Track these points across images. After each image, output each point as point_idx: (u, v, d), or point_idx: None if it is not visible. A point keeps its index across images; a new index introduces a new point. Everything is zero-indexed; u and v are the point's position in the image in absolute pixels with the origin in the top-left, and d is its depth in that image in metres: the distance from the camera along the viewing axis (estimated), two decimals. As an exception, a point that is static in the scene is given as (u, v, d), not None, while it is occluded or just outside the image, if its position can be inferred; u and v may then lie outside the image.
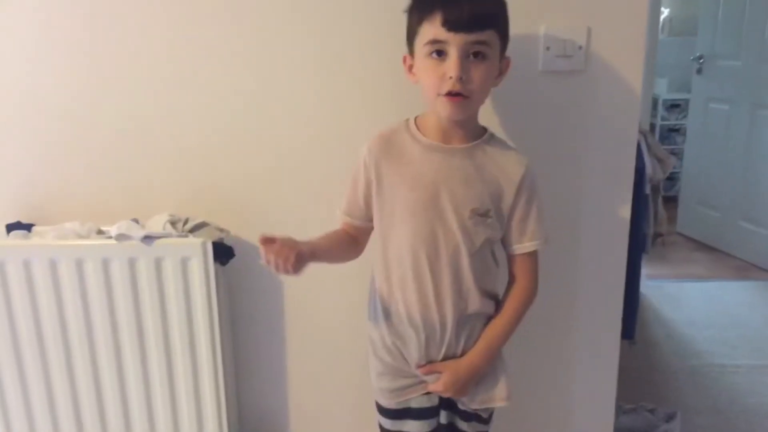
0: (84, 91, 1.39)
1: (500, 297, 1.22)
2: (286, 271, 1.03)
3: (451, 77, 1.04)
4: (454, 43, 1.03)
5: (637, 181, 1.97)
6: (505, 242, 1.20)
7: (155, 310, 1.37)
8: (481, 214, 1.13)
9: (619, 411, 2.08)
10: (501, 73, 1.13)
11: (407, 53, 1.14)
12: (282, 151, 1.41)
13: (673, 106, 4.51)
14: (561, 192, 1.40)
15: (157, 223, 1.37)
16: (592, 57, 1.32)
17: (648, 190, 2.01)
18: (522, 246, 1.18)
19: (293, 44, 1.35)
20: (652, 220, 2.09)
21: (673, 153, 4.46)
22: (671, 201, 4.27)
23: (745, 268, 3.49)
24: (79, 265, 1.34)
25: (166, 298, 1.37)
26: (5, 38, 1.36)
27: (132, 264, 1.35)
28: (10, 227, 1.40)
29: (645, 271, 3.40)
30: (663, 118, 4.58)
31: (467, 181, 1.13)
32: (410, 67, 1.14)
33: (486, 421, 1.28)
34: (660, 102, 4.56)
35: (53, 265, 1.35)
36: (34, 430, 1.44)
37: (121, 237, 1.32)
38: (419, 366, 1.20)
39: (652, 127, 4.66)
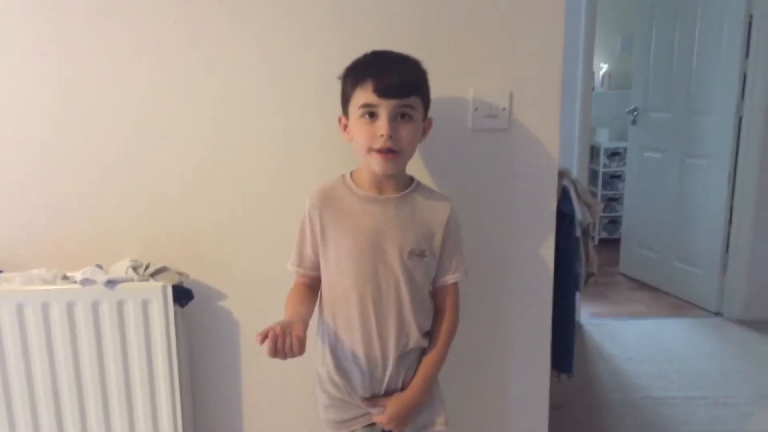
0: (48, 143, 1.50)
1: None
2: (294, 356, 1.11)
3: (382, 135, 1.19)
4: (384, 106, 1.19)
5: (567, 226, 2.16)
6: (434, 277, 1.33)
7: (117, 350, 1.46)
8: (418, 254, 1.27)
9: (560, 442, 2.22)
10: (425, 131, 1.30)
11: (342, 115, 1.29)
12: (237, 200, 1.53)
13: (614, 154, 4.79)
14: (490, 235, 1.56)
15: (119, 269, 1.48)
16: (514, 117, 1.50)
17: (578, 233, 2.18)
18: (450, 277, 1.33)
19: (251, 102, 1.49)
20: (584, 261, 2.26)
21: (614, 198, 4.75)
22: (614, 243, 4.51)
23: (681, 306, 3.70)
24: (45, 308, 1.43)
25: (127, 339, 1.47)
26: None
27: (95, 307, 1.44)
28: (-21, 274, 1.48)
29: (588, 309, 3.60)
30: (605, 165, 4.85)
31: (403, 227, 1.27)
32: (345, 127, 1.29)
33: None
34: (601, 150, 4.84)
35: (20, 309, 1.43)
36: (-4, 469, 1.50)
37: (85, 282, 1.42)
38: (364, 400, 1.32)
39: (595, 173, 4.93)
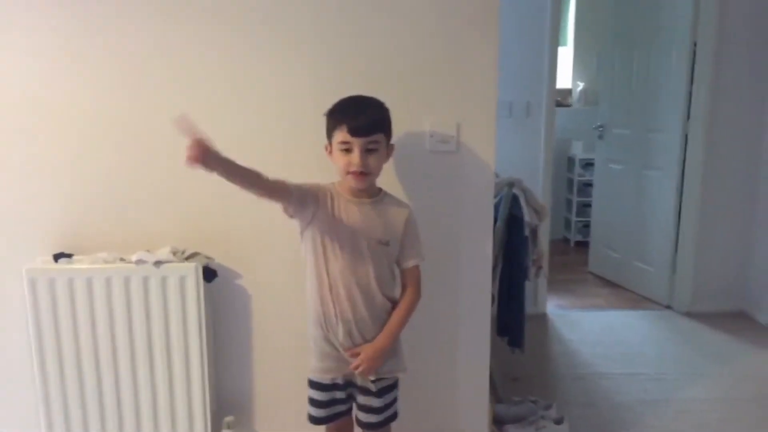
0: (109, 157, 1.99)
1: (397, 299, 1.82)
2: (191, 160, 1.49)
3: (356, 164, 1.65)
4: (356, 143, 1.64)
5: (518, 227, 2.65)
6: (398, 262, 1.81)
7: (161, 314, 1.95)
8: (383, 243, 1.75)
9: (510, 403, 2.70)
10: (388, 155, 1.74)
11: (327, 143, 1.73)
12: (251, 205, 1.97)
13: (588, 164, 5.25)
14: (443, 232, 2.05)
15: (163, 253, 1.97)
16: (461, 143, 1.99)
17: (527, 232, 2.66)
18: (409, 262, 1.80)
19: (264, 129, 1.99)
20: (532, 255, 2.74)
21: (587, 205, 5.21)
22: (585, 245, 4.98)
23: (637, 300, 4.19)
24: (108, 281, 1.93)
25: (168, 305, 1.95)
26: (35, 100, 1.95)
27: (146, 281, 1.93)
28: (57, 256, 1.98)
29: (554, 302, 4.09)
30: (579, 175, 5.34)
31: (373, 223, 1.75)
32: (330, 153, 1.74)
33: (394, 387, 1.85)
34: (576, 161, 5.33)
35: (89, 282, 1.93)
36: (66, 399, 1.99)
37: (139, 261, 1.92)
38: (346, 350, 1.78)
39: (571, 182, 5.41)
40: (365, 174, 1.68)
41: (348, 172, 1.68)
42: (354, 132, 1.64)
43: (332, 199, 1.74)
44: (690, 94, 3.77)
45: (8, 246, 2.02)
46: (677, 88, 3.83)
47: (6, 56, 1.92)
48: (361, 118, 1.66)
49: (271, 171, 1.98)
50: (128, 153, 2.00)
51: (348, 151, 1.67)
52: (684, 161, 3.85)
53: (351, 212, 1.74)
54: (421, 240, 1.82)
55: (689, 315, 3.91)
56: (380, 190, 1.81)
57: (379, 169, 1.73)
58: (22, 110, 1.95)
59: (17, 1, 1.90)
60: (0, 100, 1.94)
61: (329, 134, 1.72)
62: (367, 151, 1.67)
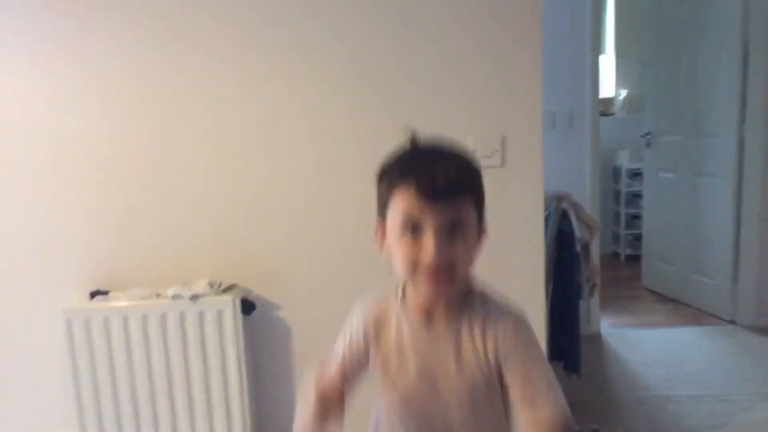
0: (143, 194, 1.95)
1: None
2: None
3: (429, 253, 0.95)
4: (430, 217, 0.95)
5: (568, 243, 2.51)
6: (517, 400, 1.10)
7: (198, 350, 1.88)
8: (476, 386, 1.09)
9: (570, 432, 2.53)
10: (481, 243, 1.06)
11: (379, 222, 1.04)
12: (288, 235, 1.95)
13: (635, 174, 5.04)
14: (490, 255, 1.90)
15: (199, 286, 1.90)
16: (506, 157, 1.88)
17: (578, 249, 2.52)
18: (539, 410, 1.07)
19: (301, 154, 1.91)
20: (585, 272, 2.59)
21: (637, 216, 5.00)
22: (639, 259, 4.76)
23: (697, 316, 3.95)
24: (145, 319, 1.86)
25: (206, 341, 1.88)
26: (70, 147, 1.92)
27: (183, 317, 1.87)
28: (94, 294, 1.93)
29: (609, 321, 3.89)
30: (627, 185, 5.13)
31: (458, 357, 1.07)
32: (382, 241, 1.03)
33: None
34: (623, 171, 5.12)
35: (126, 320, 1.87)
36: (108, 445, 1.93)
37: (176, 296, 1.85)
38: None
39: (618, 193, 5.21)
40: (447, 272, 0.99)
41: (416, 272, 0.99)
42: (428, 194, 0.95)
43: (385, 325, 1.12)
44: (744, 95, 3.57)
45: (44, 283, 1.98)
46: (730, 90, 3.63)
47: (37, 92, 1.90)
48: (439, 172, 0.97)
49: (310, 204, 1.93)
50: (161, 186, 1.96)
51: (414, 232, 0.98)
52: (741, 166, 3.64)
53: (422, 344, 1.08)
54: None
55: (755, 329, 3.66)
56: (471, 291, 1.11)
57: (468, 264, 1.04)
58: (56, 147, 1.93)
59: (55, 41, 1.88)
60: (35, 138, 1.92)
61: (382, 207, 1.03)
62: (449, 231, 0.98)
